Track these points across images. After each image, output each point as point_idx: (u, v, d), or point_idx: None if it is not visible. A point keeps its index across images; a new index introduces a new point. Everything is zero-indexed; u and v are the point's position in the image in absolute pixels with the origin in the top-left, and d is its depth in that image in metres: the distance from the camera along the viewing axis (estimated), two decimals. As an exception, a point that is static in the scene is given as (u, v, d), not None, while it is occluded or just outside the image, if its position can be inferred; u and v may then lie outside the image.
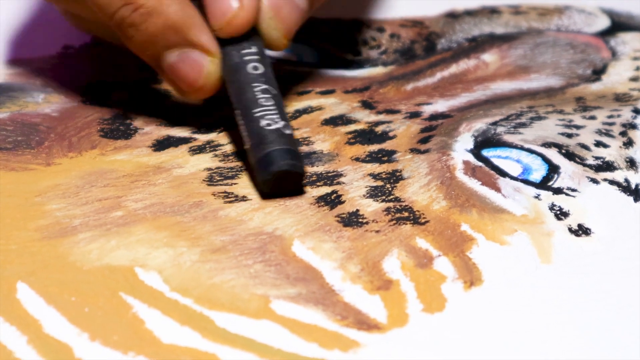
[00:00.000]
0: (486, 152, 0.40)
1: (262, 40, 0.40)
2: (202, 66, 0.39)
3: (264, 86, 0.38)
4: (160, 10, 0.39)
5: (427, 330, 0.32)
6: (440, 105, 0.44)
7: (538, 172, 0.40)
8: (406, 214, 0.37)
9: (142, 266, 0.34)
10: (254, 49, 0.40)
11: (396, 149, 0.41)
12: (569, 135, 0.42)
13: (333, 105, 0.44)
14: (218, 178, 0.39)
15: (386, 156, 0.40)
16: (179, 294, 0.33)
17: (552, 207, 0.38)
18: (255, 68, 0.39)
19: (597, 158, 0.40)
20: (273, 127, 0.37)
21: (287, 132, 0.37)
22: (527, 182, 0.39)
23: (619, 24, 0.51)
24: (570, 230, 0.37)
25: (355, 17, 0.51)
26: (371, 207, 0.37)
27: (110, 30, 0.41)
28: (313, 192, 0.38)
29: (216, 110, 0.43)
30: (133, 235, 0.36)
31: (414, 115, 0.43)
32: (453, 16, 0.52)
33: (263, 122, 0.37)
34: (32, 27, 0.49)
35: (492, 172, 0.39)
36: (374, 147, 0.41)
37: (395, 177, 0.39)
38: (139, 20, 0.39)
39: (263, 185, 0.37)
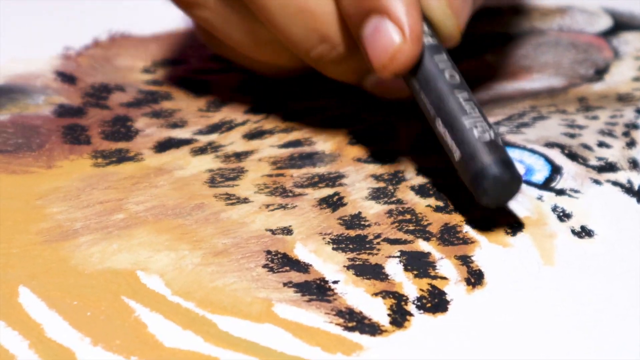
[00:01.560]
0: (488, 153, 0.40)
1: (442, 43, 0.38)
2: (393, 40, 0.36)
3: (466, 94, 0.36)
4: (355, 53, 0.38)
5: (430, 333, 0.32)
6: (442, 106, 0.44)
7: (541, 172, 0.40)
8: (408, 217, 0.37)
9: (143, 269, 0.34)
10: (444, 55, 0.37)
11: (399, 150, 0.41)
12: (572, 136, 0.42)
13: (335, 106, 0.44)
14: (220, 179, 0.39)
15: (388, 157, 0.40)
16: (181, 297, 0.33)
17: (554, 209, 0.38)
18: (452, 75, 0.37)
19: (599, 159, 0.40)
20: (487, 136, 0.35)
21: (500, 142, 0.36)
22: (529, 183, 0.39)
23: (621, 24, 0.51)
24: (573, 231, 0.37)
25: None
26: (373, 210, 0.37)
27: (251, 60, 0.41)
28: (315, 193, 0.38)
29: (217, 111, 0.43)
30: (135, 238, 0.36)
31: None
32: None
33: (476, 132, 0.35)
34: (32, 27, 0.49)
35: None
36: (376, 148, 0.41)
37: (397, 179, 0.39)
38: (338, 60, 0.39)
39: (483, 197, 0.35)
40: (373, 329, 0.33)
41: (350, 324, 0.33)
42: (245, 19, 0.39)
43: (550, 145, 0.41)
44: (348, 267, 0.35)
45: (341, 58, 0.38)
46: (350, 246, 0.36)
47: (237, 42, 0.40)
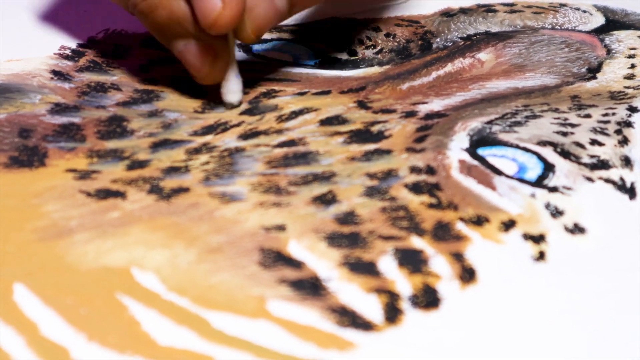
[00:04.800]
0: (482, 151, 0.41)
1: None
2: (215, 6, 0.41)
3: None
4: (165, 4, 0.41)
5: (423, 330, 0.33)
6: (436, 105, 0.44)
7: (533, 170, 0.40)
8: (402, 214, 0.37)
9: (138, 267, 0.34)
10: None
11: (392, 149, 0.41)
12: (564, 134, 0.42)
13: (329, 105, 0.44)
14: (214, 179, 0.39)
15: (382, 156, 0.40)
16: (175, 294, 0.33)
17: (547, 206, 0.38)
18: None
19: (592, 156, 0.40)
20: None
21: None
22: (522, 180, 0.39)
23: (613, 22, 0.51)
24: (565, 228, 0.37)
25: (351, 17, 0.51)
26: (367, 207, 0.37)
27: None
28: (309, 192, 0.38)
29: (212, 111, 0.43)
30: (129, 236, 0.36)
31: (410, 114, 0.43)
32: (448, 15, 0.52)
33: None
34: (30, 27, 0.49)
35: (487, 171, 0.39)
36: (370, 147, 0.41)
37: (391, 177, 0.39)
38: (147, 11, 0.41)
39: None
40: (366, 325, 0.33)
41: (343, 321, 0.33)
42: None
43: (543, 143, 0.41)
44: (342, 264, 0.35)
45: (148, 11, 0.41)
46: (344, 243, 0.36)
47: None
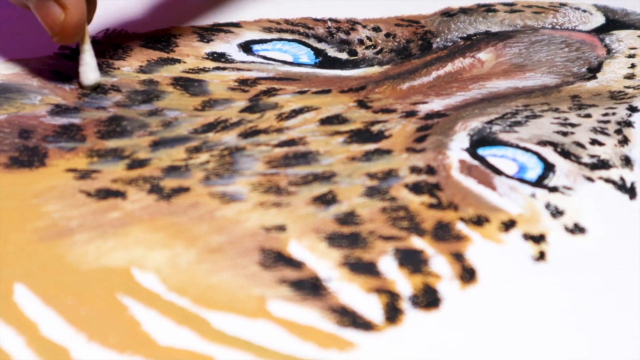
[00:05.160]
0: (482, 151, 0.41)
1: None
2: (57, 17, 0.42)
3: None
4: None
5: (423, 330, 0.33)
6: (436, 104, 0.44)
7: (534, 170, 0.40)
8: (402, 214, 0.37)
9: (138, 267, 0.34)
10: None
11: (392, 149, 0.41)
12: (565, 134, 0.42)
13: (329, 104, 0.44)
14: (214, 178, 0.39)
15: (382, 156, 0.40)
16: (176, 294, 0.33)
17: (547, 206, 0.38)
18: None
19: (592, 156, 0.40)
20: None
21: None
22: (522, 180, 0.39)
23: (613, 22, 0.51)
24: (565, 228, 0.37)
25: (351, 17, 0.51)
26: (367, 207, 0.37)
27: None
28: (309, 192, 0.38)
29: (212, 109, 0.43)
30: (130, 236, 0.36)
31: (410, 114, 0.43)
32: (448, 15, 0.52)
33: None
34: (29, 27, 0.49)
35: (487, 171, 0.39)
36: (370, 147, 0.41)
37: (391, 177, 0.39)
38: None
39: None
40: (367, 325, 0.33)
41: (344, 321, 0.33)
42: None
43: (543, 143, 0.41)
44: (342, 264, 0.35)
45: None
46: (344, 243, 0.36)
47: None
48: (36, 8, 0.42)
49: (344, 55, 0.48)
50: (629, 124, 0.43)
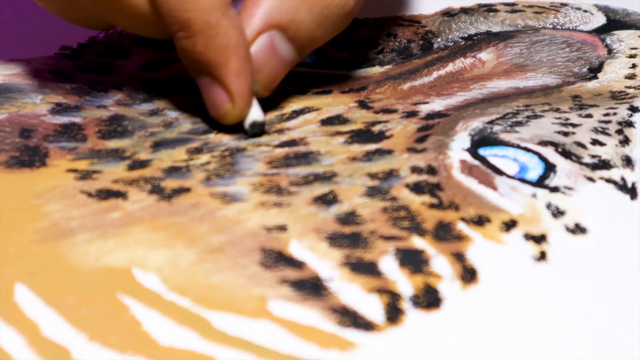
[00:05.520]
0: (483, 151, 0.41)
1: None
2: (223, 104, 0.41)
3: None
4: (208, 43, 0.40)
5: (424, 330, 0.33)
6: (437, 104, 0.44)
7: (535, 170, 0.40)
8: (403, 214, 0.37)
9: (139, 267, 0.34)
10: None
11: (393, 149, 0.41)
12: (566, 134, 0.42)
13: (330, 105, 0.44)
14: (215, 178, 0.39)
15: (383, 156, 0.40)
16: (177, 295, 0.33)
17: (548, 206, 0.38)
18: None
19: (593, 156, 0.41)
20: None
21: None
22: (523, 180, 0.39)
23: (614, 22, 0.51)
24: (566, 229, 0.37)
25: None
26: (368, 207, 0.37)
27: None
28: (310, 192, 0.38)
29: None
30: (130, 236, 0.36)
31: (411, 114, 0.43)
32: (449, 15, 0.52)
33: None
34: (29, 27, 0.50)
35: (488, 171, 0.39)
36: (371, 147, 0.41)
37: (392, 177, 0.39)
38: (187, 49, 0.40)
39: None
40: (368, 325, 0.33)
41: (345, 321, 0.33)
42: None
43: (544, 143, 0.41)
44: (343, 264, 0.35)
45: (190, 45, 0.40)
46: (345, 243, 0.36)
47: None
48: (202, 87, 0.41)
49: (344, 56, 0.48)
50: (630, 124, 0.43)
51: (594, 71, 0.46)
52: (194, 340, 0.32)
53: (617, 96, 0.45)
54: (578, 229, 0.37)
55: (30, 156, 0.40)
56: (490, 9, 0.52)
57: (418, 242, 0.36)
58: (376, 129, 0.42)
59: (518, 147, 0.41)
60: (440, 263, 0.35)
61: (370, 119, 0.43)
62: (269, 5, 0.41)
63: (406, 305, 0.33)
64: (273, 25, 0.41)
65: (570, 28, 0.50)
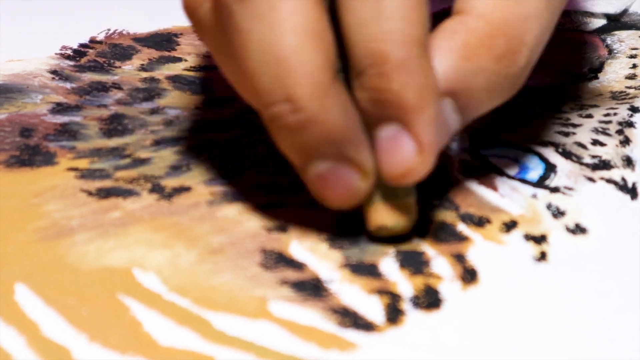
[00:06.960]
0: (483, 151, 0.41)
1: None
2: (352, 184, 0.34)
3: None
4: (322, 119, 0.33)
5: (424, 331, 0.33)
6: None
7: (535, 171, 0.40)
8: (403, 214, 0.37)
9: (139, 267, 0.34)
10: None
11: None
12: (566, 134, 0.42)
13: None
14: (216, 178, 0.39)
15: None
16: (177, 295, 0.33)
17: (549, 206, 0.38)
18: None
19: (594, 157, 0.41)
20: None
21: None
22: (524, 181, 0.39)
23: (615, 22, 0.51)
24: (567, 229, 0.37)
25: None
26: (368, 207, 0.37)
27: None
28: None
29: (214, 109, 0.43)
30: (131, 236, 0.36)
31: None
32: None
33: None
34: (31, 27, 0.50)
35: (489, 171, 0.39)
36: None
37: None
38: (295, 127, 0.33)
39: None
40: (368, 326, 0.33)
41: (345, 322, 0.33)
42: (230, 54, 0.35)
43: (544, 143, 0.41)
44: (343, 266, 0.35)
45: (297, 127, 0.33)
46: (346, 244, 0.36)
47: (224, 71, 0.37)
48: (380, 134, 0.34)
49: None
50: (630, 124, 0.43)
51: (595, 71, 0.46)
52: (195, 341, 0.32)
53: (617, 96, 0.45)
54: (578, 230, 0.37)
55: (30, 155, 0.40)
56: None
57: (418, 243, 0.36)
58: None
59: (518, 147, 0.41)
60: (440, 264, 0.35)
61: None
62: (445, 67, 0.34)
63: (406, 306, 0.33)
64: (447, 92, 0.34)
65: (571, 28, 0.50)
